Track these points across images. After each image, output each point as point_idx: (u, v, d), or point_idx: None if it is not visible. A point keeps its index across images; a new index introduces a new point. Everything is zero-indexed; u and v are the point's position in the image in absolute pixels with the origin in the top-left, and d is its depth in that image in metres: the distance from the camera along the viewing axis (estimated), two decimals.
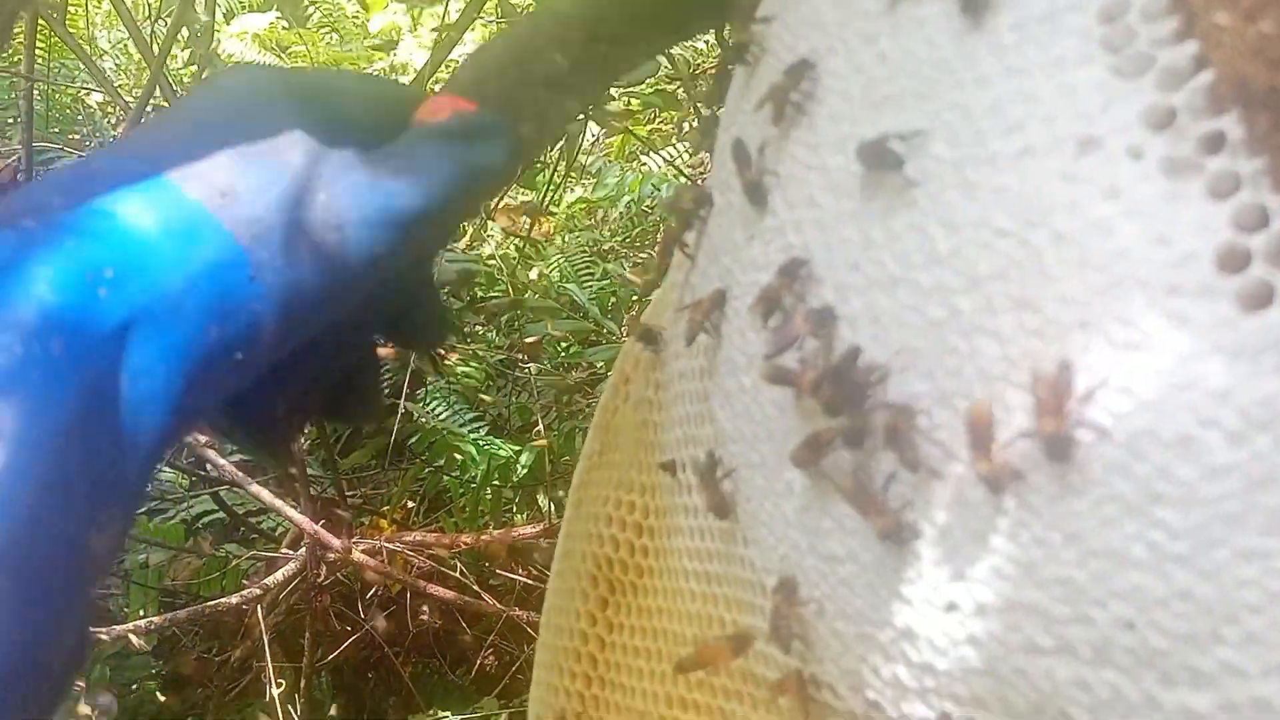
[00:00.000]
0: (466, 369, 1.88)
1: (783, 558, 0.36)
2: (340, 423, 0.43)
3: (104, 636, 1.09)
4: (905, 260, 0.32)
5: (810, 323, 0.34)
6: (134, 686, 1.40)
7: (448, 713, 1.32)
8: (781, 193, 0.37)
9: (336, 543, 1.11)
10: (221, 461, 1.20)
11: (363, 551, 1.13)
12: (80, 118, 2.36)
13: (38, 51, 2.02)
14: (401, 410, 1.50)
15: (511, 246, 2.19)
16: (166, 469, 1.50)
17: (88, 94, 2.31)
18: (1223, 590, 0.25)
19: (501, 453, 1.50)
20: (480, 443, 1.52)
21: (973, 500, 0.29)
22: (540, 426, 1.49)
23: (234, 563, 1.35)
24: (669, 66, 1.38)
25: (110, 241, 0.29)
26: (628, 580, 0.46)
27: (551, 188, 1.92)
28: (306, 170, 0.33)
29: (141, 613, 1.35)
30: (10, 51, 1.76)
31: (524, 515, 1.50)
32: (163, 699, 1.42)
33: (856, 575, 0.33)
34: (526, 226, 2.04)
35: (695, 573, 0.42)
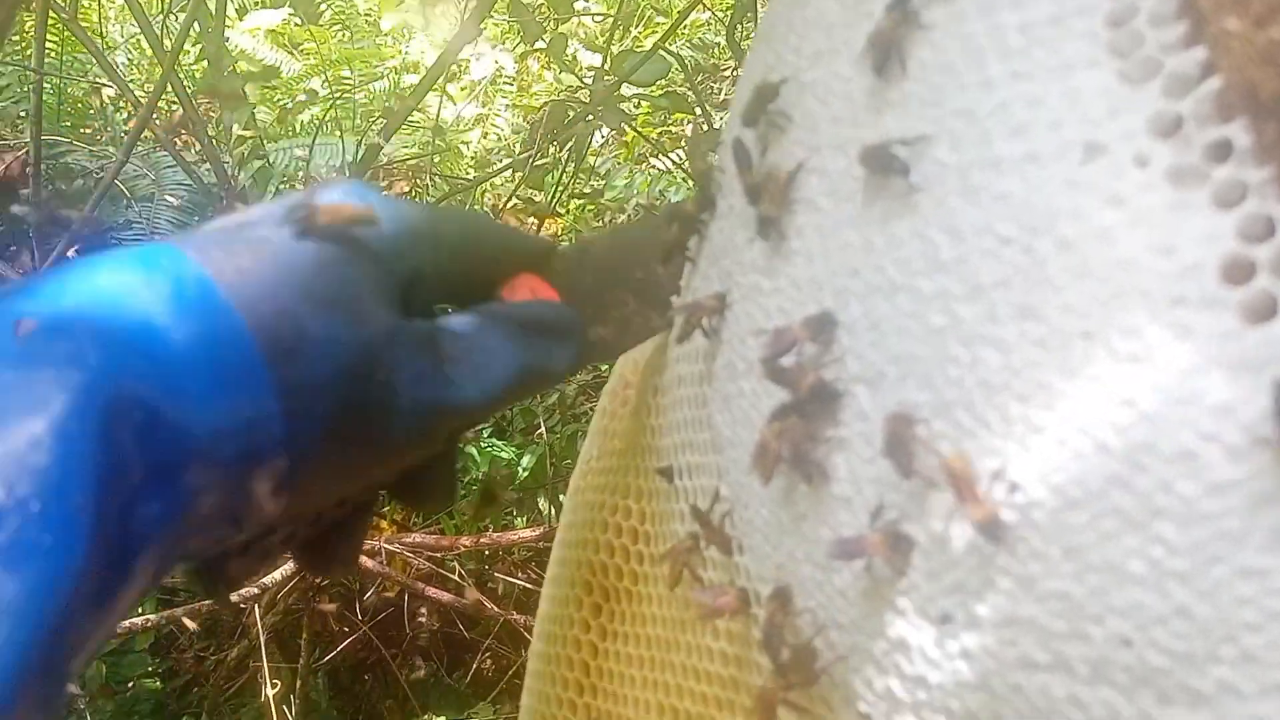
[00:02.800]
0: None
1: (778, 566, 0.35)
2: (410, 505, 0.39)
3: None
4: (906, 266, 0.31)
5: (808, 328, 0.33)
6: (130, 684, 1.40)
7: (442, 717, 1.31)
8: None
9: None
10: None
11: (362, 552, 1.13)
12: (92, 112, 2.36)
13: (50, 45, 2.03)
14: None
15: None
16: None
17: (100, 88, 2.31)
18: (1221, 608, 0.25)
19: (503, 455, 1.50)
20: (482, 444, 1.52)
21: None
22: (543, 429, 1.49)
23: None
24: (679, 68, 1.37)
25: (145, 381, 0.26)
26: (623, 587, 0.46)
27: (560, 188, 1.92)
28: (377, 344, 0.30)
29: (140, 609, 1.35)
30: (22, 45, 1.76)
31: (524, 518, 1.49)
32: (158, 696, 1.41)
33: (851, 584, 0.32)
34: (534, 227, 2.03)
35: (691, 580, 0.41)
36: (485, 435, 1.59)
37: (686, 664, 0.42)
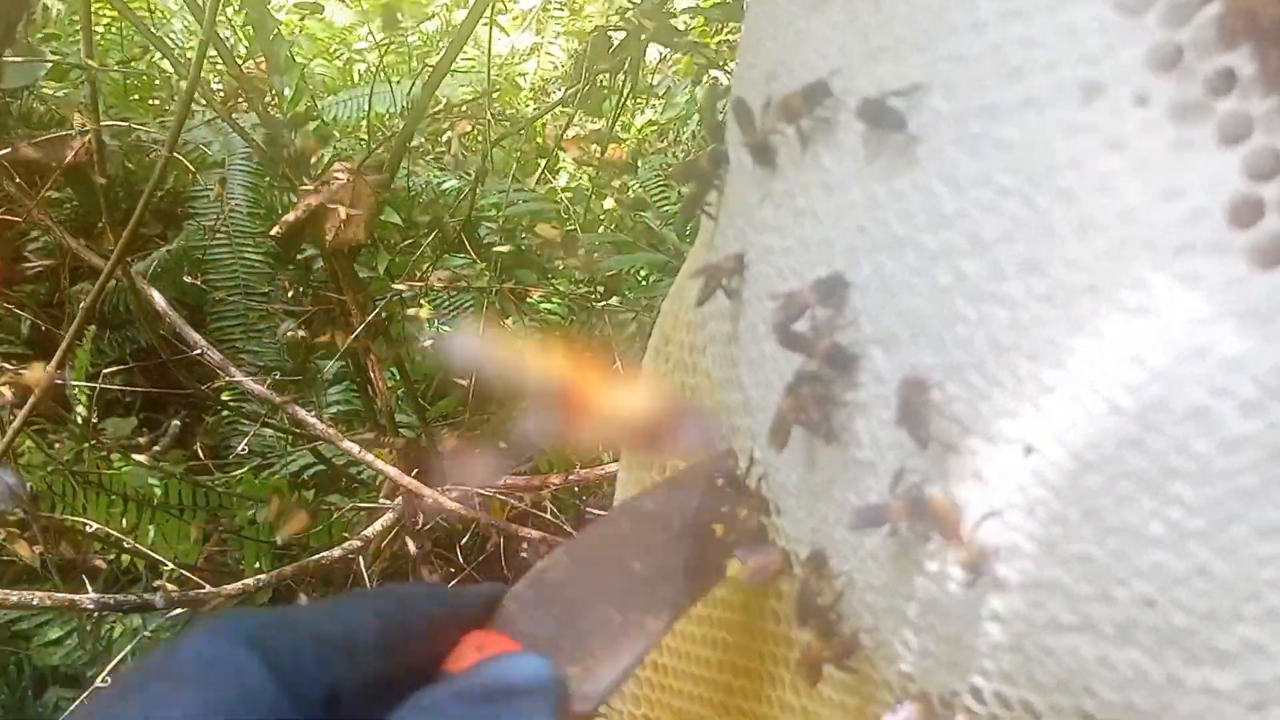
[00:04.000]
0: (549, 304, 1.89)
1: (813, 529, 0.35)
2: None
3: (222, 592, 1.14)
4: (910, 221, 0.30)
5: (818, 291, 0.33)
6: None
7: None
8: (789, 152, 0.35)
9: (428, 491, 1.14)
10: (314, 421, 1.23)
11: (454, 499, 1.16)
12: (157, 84, 2.40)
13: (111, 19, 2.06)
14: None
15: (585, 177, 2.18)
16: (267, 428, 1.56)
17: (163, 58, 2.34)
18: (1242, 567, 0.24)
19: None
20: None
21: (988, 476, 0.28)
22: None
23: (336, 515, 1.40)
24: None
25: None
26: None
27: (619, 112, 1.89)
28: None
29: (257, 566, 1.41)
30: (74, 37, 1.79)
31: (611, 453, 1.51)
32: None
33: (881, 548, 0.32)
34: (598, 155, 2.02)
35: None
36: None
37: (746, 623, 0.42)
